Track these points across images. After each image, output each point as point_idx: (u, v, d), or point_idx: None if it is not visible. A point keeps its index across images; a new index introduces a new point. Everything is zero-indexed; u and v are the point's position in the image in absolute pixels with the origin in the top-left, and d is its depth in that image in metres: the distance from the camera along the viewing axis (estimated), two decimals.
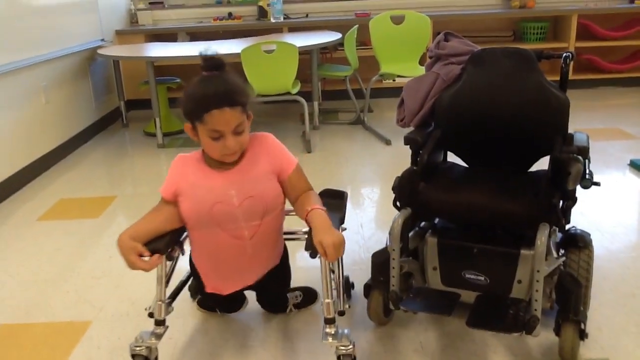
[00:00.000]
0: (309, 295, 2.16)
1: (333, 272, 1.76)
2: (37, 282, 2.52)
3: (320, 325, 1.75)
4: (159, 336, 1.78)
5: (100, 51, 4.62)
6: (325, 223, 1.57)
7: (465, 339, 1.98)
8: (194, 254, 1.81)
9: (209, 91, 1.52)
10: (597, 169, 1.90)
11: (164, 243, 1.62)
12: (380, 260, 1.92)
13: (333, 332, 1.67)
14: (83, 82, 4.73)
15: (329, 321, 1.67)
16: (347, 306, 1.80)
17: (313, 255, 1.56)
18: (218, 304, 2.09)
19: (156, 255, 1.58)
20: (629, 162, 3.57)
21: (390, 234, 1.87)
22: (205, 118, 1.52)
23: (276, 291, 2.04)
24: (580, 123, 2.02)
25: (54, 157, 4.13)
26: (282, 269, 1.91)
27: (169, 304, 1.83)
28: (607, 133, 4.23)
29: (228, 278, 1.78)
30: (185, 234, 1.79)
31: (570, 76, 2.11)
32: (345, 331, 1.68)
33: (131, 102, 5.34)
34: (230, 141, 1.55)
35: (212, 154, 1.61)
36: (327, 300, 1.66)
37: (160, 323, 1.79)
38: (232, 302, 2.07)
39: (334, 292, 1.70)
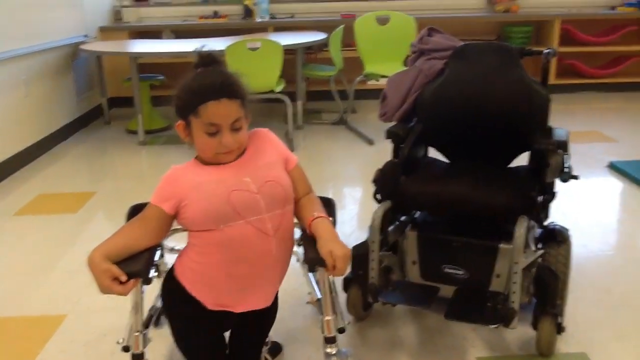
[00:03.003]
0: (274, 345, 1.90)
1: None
2: (12, 276, 2.47)
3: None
4: None
5: (83, 46, 4.58)
6: (334, 234, 1.45)
7: (443, 333, 1.98)
8: (199, 265, 1.47)
9: (205, 81, 1.40)
10: (578, 170, 1.91)
11: (142, 264, 1.39)
12: (359, 252, 1.91)
13: (335, 352, 1.53)
14: (65, 77, 4.67)
15: (330, 340, 1.52)
16: (347, 322, 1.62)
17: (312, 268, 1.45)
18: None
19: (124, 275, 1.36)
20: (608, 164, 3.61)
21: (370, 226, 1.86)
22: (201, 110, 1.37)
23: (264, 331, 1.75)
24: (561, 126, 2.03)
25: (33, 152, 4.07)
26: (276, 302, 1.66)
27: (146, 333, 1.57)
28: (588, 136, 4.28)
29: (247, 287, 1.48)
30: (158, 254, 1.57)
31: (553, 80, 2.13)
32: (348, 350, 1.56)
33: (114, 99, 5.29)
34: (227, 137, 1.40)
35: (206, 152, 1.43)
36: (327, 318, 1.51)
37: (138, 357, 1.53)
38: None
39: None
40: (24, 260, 2.62)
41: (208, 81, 1.40)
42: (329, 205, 1.60)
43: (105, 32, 5.33)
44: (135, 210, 1.54)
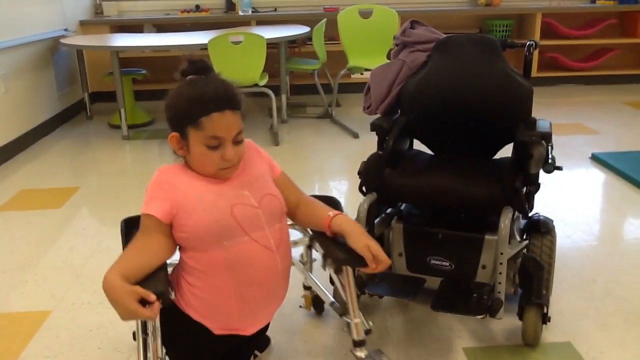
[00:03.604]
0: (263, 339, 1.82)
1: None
2: None
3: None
4: None
5: (63, 40, 4.52)
6: (362, 228, 1.39)
7: (430, 324, 1.99)
8: (205, 291, 1.35)
9: (208, 91, 1.29)
10: (560, 162, 1.94)
11: (162, 284, 1.26)
12: None
13: (364, 356, 1.46)
14: (45, 72, 4.61)
15: (360, 344, 1.45)
16: (370, 323, 1.56)
17: (340, 268, 1.38)
18: None
19: (152, 295, 1.23)
20: (590, 156, 3.65)
21: (356, 219, 1.86)
22: (203, 122, 1.28)
23: (261, 338, 1.72)
24: (543, 118, 2.06)
25: (14, 148, 4.01)
26: None
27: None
28: (570, 128, 4.32)
29: (258, 308, 1.41)
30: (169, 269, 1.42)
31: (534, 73, 2.14)
32: (378, 352, 1.50)
33: (96, 94, 5.23)
34: (230, 151, 1.31)
35: (206, 167, 1.34)
36: (356, 321, 1.44)
37: None
38: None
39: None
40: (7, 256, 2.58)
41: (211, 91, 1.30)
42: (336, 205, 1.55)
43: (86, 26, 5.27)
44: (128, 225, 1.42)
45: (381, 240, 2.02)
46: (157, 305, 1.21)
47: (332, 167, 3.66)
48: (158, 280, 1.26)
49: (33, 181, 3.54)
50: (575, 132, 4.21)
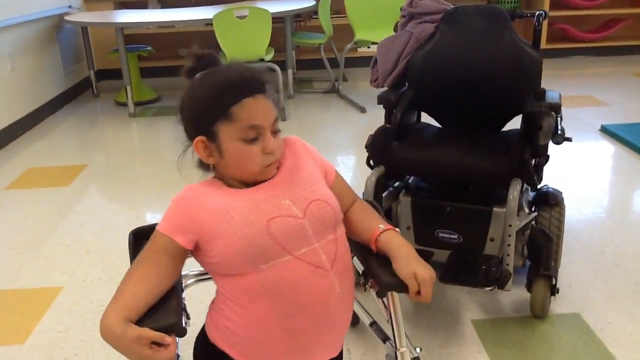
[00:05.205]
0: None
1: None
2: (5, 250, 2.46)
3: None
4: None
5: (67, 17, 4.49)
6: (414, 251, 1.17)
7: (438, 297, 2.00)
8: (241, 326, 1.11)
9: (233, 77, 1.10)
10: (570, 134, 1.91)
11: (174, 315, 1.06)
12: None
13: None
14: (51, 50, 4.59)
15: None
16: (418, 350, 1.39)
17: (384, 293, 1.21)
18: None
19: (167, 337, 1.03)
20: (600, 128, 3.61)
21: (363, 192, 1.86)
22: (235, 112, 1.07)
23: None
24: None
25: (21, 126, 4.02)
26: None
27: None
28: (580, 100, 4.27)
29: (311, 343, 1.13)
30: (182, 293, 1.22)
31: (544, 45, 2.10)
32: None
33: (102, 71, 5.21)
34: (272, 141, 1.10)
35: (247, 167, 1.11)
36: (402, 350, 1.28)
37: None
38: None
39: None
40: (17, 234, 2.61)
41: (236, 75, 1.10)
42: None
43: (90, 2, 5.23)
44: (136, 238, 1.25)
45: (389, 213, 2.02)
46: (172, 343, 1.03)
47: (339, 142, 3.65)
48: (167, 310, 1.06)
49: (40, 159, 3.55)
50: (585, 104, 4.17)
